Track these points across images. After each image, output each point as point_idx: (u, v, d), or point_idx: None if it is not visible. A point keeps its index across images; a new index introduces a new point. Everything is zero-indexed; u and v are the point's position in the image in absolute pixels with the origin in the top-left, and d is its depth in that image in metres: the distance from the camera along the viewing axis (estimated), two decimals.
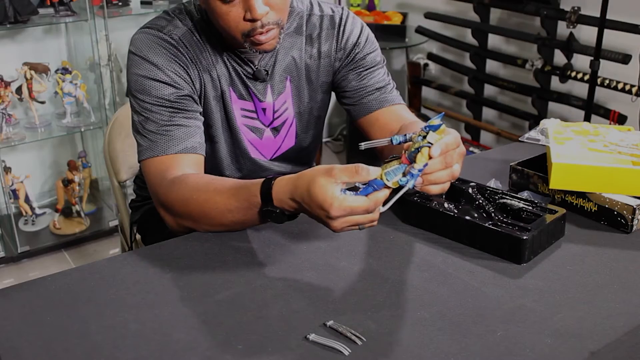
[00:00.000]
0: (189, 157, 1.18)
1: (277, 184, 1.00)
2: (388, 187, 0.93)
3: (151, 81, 1.18)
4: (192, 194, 1.10)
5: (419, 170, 0.93)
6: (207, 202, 1.08)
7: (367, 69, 1.35)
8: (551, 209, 1.12)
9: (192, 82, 1.23)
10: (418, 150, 0.94)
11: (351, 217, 0.92)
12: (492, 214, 1.11)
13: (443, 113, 0.99)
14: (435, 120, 0.95)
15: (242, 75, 1.28)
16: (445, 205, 1.14)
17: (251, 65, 1.27)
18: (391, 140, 0.99)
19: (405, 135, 0.99)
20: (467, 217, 1.10)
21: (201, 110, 1.25)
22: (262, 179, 1.03)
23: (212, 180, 1.12)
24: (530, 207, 1.13)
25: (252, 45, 1.17)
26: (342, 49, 1.34)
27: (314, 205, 0.94)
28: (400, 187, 0.94)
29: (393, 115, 1.34)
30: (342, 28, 1.34)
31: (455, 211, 1.13)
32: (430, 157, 0.94)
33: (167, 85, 1.19)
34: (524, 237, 1.03)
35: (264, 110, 1.32)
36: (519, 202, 1.15)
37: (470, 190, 1.16)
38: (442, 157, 0.97)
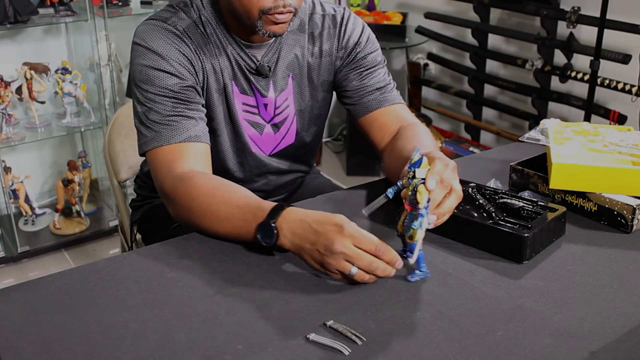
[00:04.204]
0: (194, 146, 1.18)
1: (292, 208, 1.01)
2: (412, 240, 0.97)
3: (155, 71, 1.18)
4: (198, 195, 1.09)
5: (425, 208, 0.96)
6: (211, 206, 1.08)
7: (368, 69, 1.35)
8: (552, 207, 1.12)
9: (196, 73, 1.23)
10: (415, 191, 0.97)
11: (355, 252, 0.93)
12: (493, 214, 1.11)
13: (419, 147, 1.02)
14: (415, 157, 0.99)
15: (245, 69, 1.28)
16: None
17: (254, 60, 1.28)
18: (387, 195, 1.02)
19: (396, 185, 1.02)
20: (468, 217, 1.10)
21: (203, 102, 1.25)
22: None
23: (221, 187, 1.11)
24: (531, 206, 1.13)
25: (266, 25, 1.17)
26: (344, 47, 1.34)
27: (328, 222, 0.95)
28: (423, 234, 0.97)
29: (392, 115, 1.34)
30: (343, 27, 1.34)
31: (456, 211, 1.13)
32: (429, 191, 0.97)
33: (171, 76, 1.19)
34: (525, 235, 1.03)
35: (265, 105, 1.32)
36: (519, 201, 1.15)
37: (470, 191, 1.16)
38: (440, 185, 1.00)
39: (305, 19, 1.33)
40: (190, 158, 1.17)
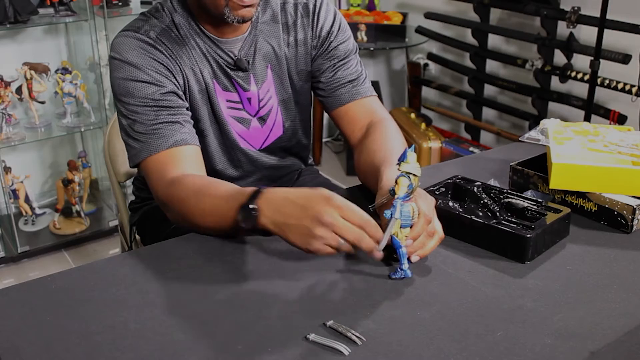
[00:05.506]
0: (182, 149, 1.18)
1: (272, 188, 0.99)
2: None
3: (133, 82, 1.19)
4: (187, 196, 1.10)
5: (401, 199, 0.97)
6: (199, 203, 1.08)
7: (340, 60, 1.37)
8: (556, 208, 1.12)
9: (175, 77, 1.23)
10: (396, 182, 0.98)
11: (343, 223, 0.91)
12: (497, 213, 1.12)
13: (414, 145, 1.03)
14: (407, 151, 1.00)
15: (224, 66, 1.29)
16: (450, 204, 1.14)
17: (231, 55, 1.28)
18: (390, 193, 1.02)
19: None
20: (471, 216, 1.10)
21: (187, 105, 1.25)
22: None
23: (208, 184, 1.12)
24: (535, 207, 1.13)
25: (233, 10, 1.18)
26: (318, 36, 1.36)
27: (314, 194, 0.93)
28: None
29: (363, 109, 1.37)
30: (316, 16, 1.36)
31: (460, 210, 1.13)
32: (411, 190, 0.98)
33: (149, 85, 1.19)
34: (528, 236, 1.03)
35: (249, 99, 1.33)
36: (523, 201, 1.15)
37: (475, 190, 1.17)
38: (426, 226, 1.00)
39: (277, 10, 1.34)
40: (180, 163, 1.17)
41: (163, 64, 1.22)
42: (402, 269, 0.99)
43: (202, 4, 1.21)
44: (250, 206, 0.97)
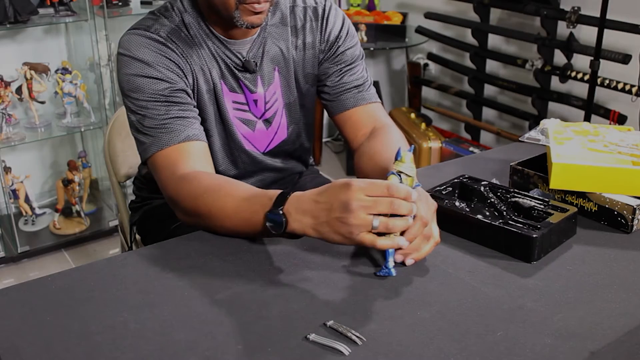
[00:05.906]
0: (193, 145, 1.18)
1: (297, 192, 0.99)
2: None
3: (143, 78, 1.19)
4: (202, 193, 1.09)
5: None
6: (217, 202, 1.07)
7: (347, 65, 1.37)
8: (563, 207, 1.12)
9: (185, 76, 1.23)
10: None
11: (372, 200, 0.90)
12: (504, 213, 1.12)
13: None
14: (401, 152, 1.00)
15: (232, 67, 1.29)
16: (457, 203, 1.14)
17: (239, 57, 1.28)
18: None
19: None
20: (477, 216, 1.10)
21: (195, 104, 1.26)
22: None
23: (225, 183, 1.11)
24: (542, 206, 1.13)
25: (243, 15, 1.18)
26: (326, 40, 1.36)
27: (333, 188, 0.93)
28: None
29: (366, 115, 1.37)
30: (325, 21, 1.36)
31: (467, 209, 1.13)
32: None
33: (159, 81, 1.19)
34: (534, 236, 1.03)
35: (255, 101, 1.33)
36: (530, 200, 1.15)
37: (482, 189, 1.17)
38: (422, 229, 0.98)
39: (286, 12, 1.34)
40: (190, 158, 1.17)
41: (174, 62, 1.22)
42: (387, 267, 0.99)
43: (212, 5, 1.20)
44: (280, 211, 0.97)
